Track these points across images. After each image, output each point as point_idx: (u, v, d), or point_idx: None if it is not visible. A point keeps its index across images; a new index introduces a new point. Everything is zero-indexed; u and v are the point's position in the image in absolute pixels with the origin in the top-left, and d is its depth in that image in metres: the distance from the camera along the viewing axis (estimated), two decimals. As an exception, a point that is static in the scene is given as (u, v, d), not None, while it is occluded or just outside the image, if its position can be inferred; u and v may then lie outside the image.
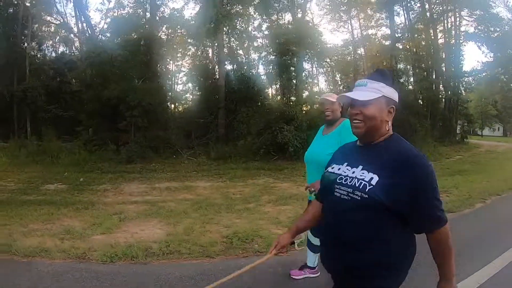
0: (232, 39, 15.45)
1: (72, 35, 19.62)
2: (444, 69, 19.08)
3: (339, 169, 1.37)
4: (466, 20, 19.11)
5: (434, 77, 18.69)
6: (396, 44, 17.03)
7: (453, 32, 18.91)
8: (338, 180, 1.32)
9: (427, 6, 19.07)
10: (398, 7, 18.49)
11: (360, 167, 1.28)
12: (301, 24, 14.09)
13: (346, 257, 1.31)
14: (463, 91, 19.80)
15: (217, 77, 13.90)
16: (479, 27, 18.18)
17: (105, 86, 12.16)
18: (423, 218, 1.22)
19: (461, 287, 2.81)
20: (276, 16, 14.37)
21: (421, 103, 18.13)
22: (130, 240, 3.90)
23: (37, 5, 17.60)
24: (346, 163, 1.36)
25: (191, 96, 13.98)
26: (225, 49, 14.62)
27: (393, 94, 1.33)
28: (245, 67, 14.63)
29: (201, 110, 13.05)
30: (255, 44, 15.55)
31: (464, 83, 19.66)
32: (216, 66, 14.34)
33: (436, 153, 15.01)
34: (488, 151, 18.05)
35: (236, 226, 4.34)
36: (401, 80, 17.39)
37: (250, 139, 11.43)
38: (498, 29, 17.21)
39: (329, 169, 1.43)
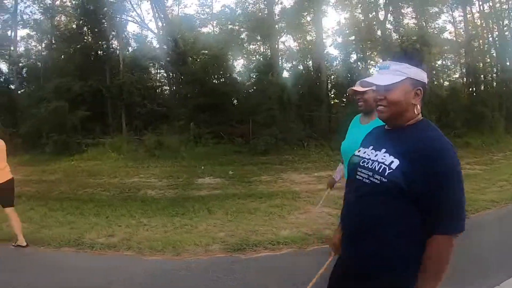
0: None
1: (149, 31, 19.79)
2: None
3: (364, 152, 1.34)
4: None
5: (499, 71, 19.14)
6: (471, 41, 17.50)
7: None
8: (361, 163, 1.30)
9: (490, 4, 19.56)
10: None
11: (383, 150, 1.24)
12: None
13: (361, 242, 1.25)
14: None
15: (319, 71, 14.40)
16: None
17: (218, 79, 12.63)
18: (434, 214, 1.12)
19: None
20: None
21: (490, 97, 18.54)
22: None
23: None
24: (371, 147, 1.33)
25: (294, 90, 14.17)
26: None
27: (420, 74, 1.24)
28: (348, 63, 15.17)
29: (305, 105, 13.51)
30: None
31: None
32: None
33: (514, 144, 15.59)
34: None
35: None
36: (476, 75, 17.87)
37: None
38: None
39: (356, 152, 1.40)
